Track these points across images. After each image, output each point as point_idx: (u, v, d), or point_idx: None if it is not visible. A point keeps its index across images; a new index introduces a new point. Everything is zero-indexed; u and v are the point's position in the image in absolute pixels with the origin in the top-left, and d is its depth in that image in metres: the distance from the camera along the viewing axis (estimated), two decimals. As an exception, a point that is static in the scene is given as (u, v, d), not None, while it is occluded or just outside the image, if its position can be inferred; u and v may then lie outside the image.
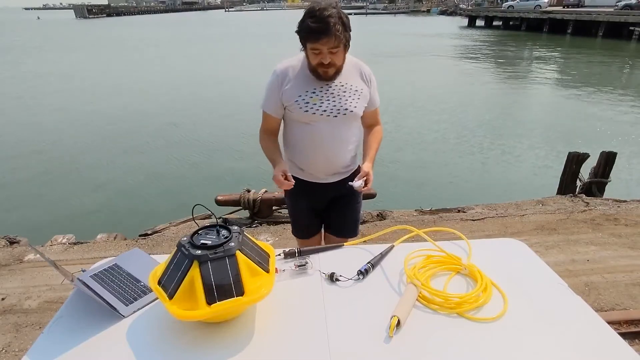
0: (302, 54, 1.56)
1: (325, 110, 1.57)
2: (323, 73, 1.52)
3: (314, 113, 1.57)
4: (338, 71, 1.55)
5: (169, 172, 6.39)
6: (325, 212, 1.84)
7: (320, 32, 1.40)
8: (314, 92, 1.57)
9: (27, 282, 2.70)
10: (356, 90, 1.61)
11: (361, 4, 79.59)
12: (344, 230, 1.88)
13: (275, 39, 26.09)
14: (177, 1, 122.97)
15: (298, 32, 1.48)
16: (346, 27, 1.44)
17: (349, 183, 1.58)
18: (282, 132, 1.74)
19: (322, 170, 1.70)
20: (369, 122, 1.75)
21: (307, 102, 1.56)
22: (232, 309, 1.02)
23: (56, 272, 1.43)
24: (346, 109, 1.59)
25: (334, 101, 1.58)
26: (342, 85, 1.59)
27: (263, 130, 1.70)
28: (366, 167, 1.61)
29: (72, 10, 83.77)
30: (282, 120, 1.70)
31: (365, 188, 1.59)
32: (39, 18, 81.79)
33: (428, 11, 61.37)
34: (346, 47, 1.50)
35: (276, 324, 1.09)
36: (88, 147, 7.53)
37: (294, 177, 1.70)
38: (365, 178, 1.58)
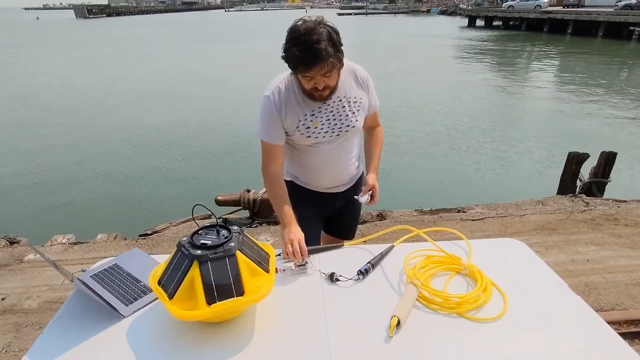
0: (290, 73, 1.42)
1: (327, 132, 1.49)
2: (318, 96, 1.40)
3: (317, 137, 1.48)
4: (333, 90, 1.43)
5: (169, 172, 6.39)
6: (327, 216, 1.82)
7: (310, 62, 1.25)
8: (312, 115, 1.45)
9: (27, 282, 2.70)
10: (355, 102, 1.51)
11: (361, 4, 79.64)
12: (342, 233, 1.87)
13: (276, 40, 26.06)
14: (177, 1, 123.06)
15: (284, 59, 1.31)
16: (337, 48, 1.30)
17: (355, 197, 1.55)
18: None
19: (327, 185, 1.66)
20: (369, 125, 1.69)
21: (308, 127, 1.46)
22: (232, 309, 1.02)
23: (56, 272, 1.43)
24: (348, 125, 1.51)
25: (334, 120, 1.49)
26: (340, 100, 1.48)
27: (267, 168, 1.50)
28: (371, 179, 1.56)
29: (72, 10, 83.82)
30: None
31: (372, 202, 1.56)
32: (37, 18, 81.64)
33: (428, 11, 61.35)
34: (340, 67, 1.37)
35: (276, 324, 1.09)
36: (87, 147, 7.53)
37: (301, 187, 1.67)
38: (371, 191, 1.54)
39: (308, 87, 1.37)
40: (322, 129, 1.48)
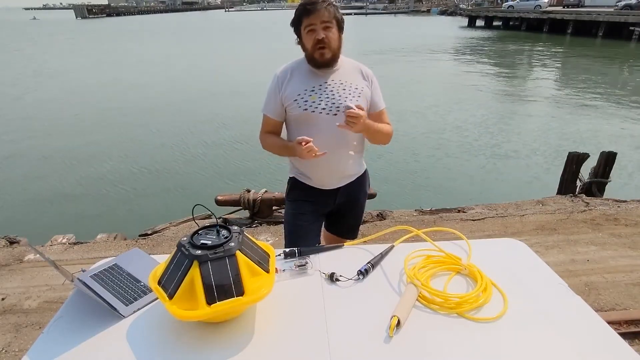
0: (301, 57, 1.60)
1: (324, 108, 1.56)
2: (320, 56, 1.52)
3: (313, 111, 1.56)
4: (335, 57, 1.56)
5: (169, 172, 6.39)
6: (328, 215, 1.83)
7: (312, 4, 1.48)
8: (312, 90, 1.57)
9: (27, 282, 2.70)
10: (356, 88, 1.61)
11: (361, 4, 79.56)
12: (344, 232, 1.88)
13: (278, 39, 26.09)
14: (177, 1, 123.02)
15: (292, 20, 1.54)
16: (337, 9, 1.52)
17: (346, 104, 1.49)
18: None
19: (326, 173, 1.67)
20: None
21: (306, 101, 1.57)
22: (232, 309, 1.02)
23: (56, 272, 1.43)
24: (346, 107, 1.56)
25: (333, 98, 1.57)
26: (342, 83, 1.59)
27: (262, 134, 1.70)
28: (364, 113, 1.48)
29: (72, 10, 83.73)
30: (285, 125, 1.68)
31: (352, 112, 1.44)
32: (34, 18, 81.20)
33: (428, 11, 61.32)
34: (340, 28, 1.55)
35: (276, 324, 1.09)
36: (88, 147, 7.53)
37: (302, 183, 1.72)
38: (357, 113, 1.44)
39: (310, 45, 1.52)
40: (319, 104, 1.57)
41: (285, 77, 1.60)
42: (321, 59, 1.53)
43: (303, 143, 1.47)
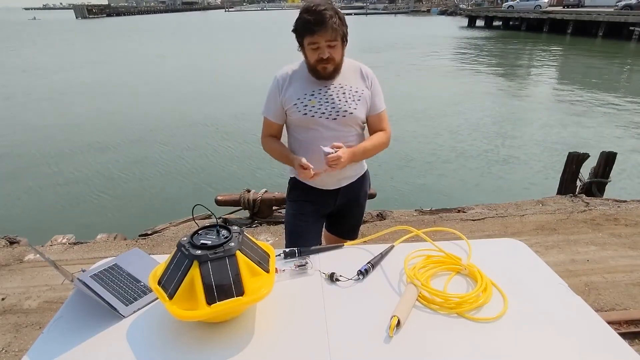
0: (302, 59, 1.58)
1: (324, 113, 1.55)
2: (322, 70, 1.50)
3: (313, 116, 1.55)
4: (337, 68, 1.54)
5: (169, 172, 6.39)
6: (329, 215, 1.83)
7: (317, 24, 1.41)
8: (312, 95, 1.56)
9: (27, 282, 2.70)
10: (356, 92, 1.59)
11: (361, 4, 79.58)
12: (345, 233, 1.88)
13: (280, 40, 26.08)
14: (177, 1, 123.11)
15: (295, 29, 1.48)
16: (343, 22, 1.47)
17: (322, 147, 1.48)
18: (285, 141, 1.71)
19: (325, 176, 1.66)
20: (374, 128, 1.67)
21: (306, 105, 1.55)
22: (232, 309, 1.02)
23: (56, 272, 1.43)
24: (345, 111, 1.56)
25: (332, 103, 1.56)
26: (342, 87, 1.57)
27: (263, 137, 1.69)
28: (342, 151, 1.49)
29: (72, 10, 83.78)
30: (285, 127, 1.68)
31: (331, 157, 1.46)
32: (34, 18, 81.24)
33: (428, 11, 61.34)
34: (344, 42, 1.51)
35: (276, 324, 1.09)
36: (88, 147, 7.53)
37: (302, 184, 1.71)
38: (335, 154, 1.46)
39: (313, 60, 1.49)
40: (319, 109, 1.56)
41: (286, 79, 1.58)
42: (324, 72, 1.51)
43: (303, 167, 1.50)
